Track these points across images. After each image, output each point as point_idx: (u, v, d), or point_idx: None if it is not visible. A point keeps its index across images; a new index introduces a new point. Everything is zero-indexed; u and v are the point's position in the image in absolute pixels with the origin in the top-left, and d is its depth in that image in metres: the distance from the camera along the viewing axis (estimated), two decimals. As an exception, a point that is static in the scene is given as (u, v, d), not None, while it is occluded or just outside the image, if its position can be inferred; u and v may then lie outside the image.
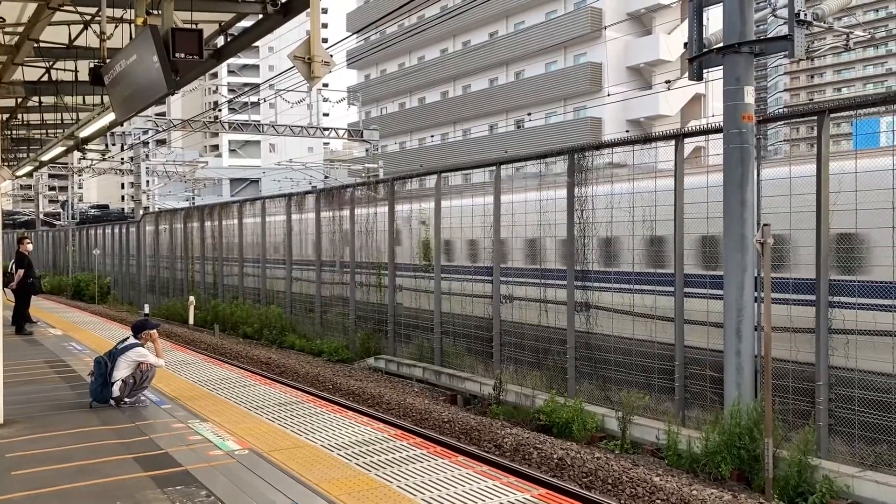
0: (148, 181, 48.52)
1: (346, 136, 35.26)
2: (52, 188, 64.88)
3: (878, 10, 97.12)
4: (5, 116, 17.61)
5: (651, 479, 7.77)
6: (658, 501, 7.33)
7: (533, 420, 10.28)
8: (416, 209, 14.77)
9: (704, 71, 9.34)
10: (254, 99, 56.09)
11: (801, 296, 8.30)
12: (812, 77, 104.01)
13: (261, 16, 8.46)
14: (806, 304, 8.18)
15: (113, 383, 7.81)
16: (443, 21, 27.34)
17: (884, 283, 7.75)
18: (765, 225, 7.66)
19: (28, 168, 22.80)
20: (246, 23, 9.69)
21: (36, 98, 14.86)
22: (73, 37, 11.20)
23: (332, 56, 7.09)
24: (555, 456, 8.63)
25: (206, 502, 4.99)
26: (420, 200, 14.73)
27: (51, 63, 12.66)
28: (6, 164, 20.93)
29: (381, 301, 15.49)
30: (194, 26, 7.37)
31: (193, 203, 45.71)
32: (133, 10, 7.85)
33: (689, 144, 10.18)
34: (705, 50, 9.15)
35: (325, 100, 40.04)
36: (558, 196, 11.13)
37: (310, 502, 5.00)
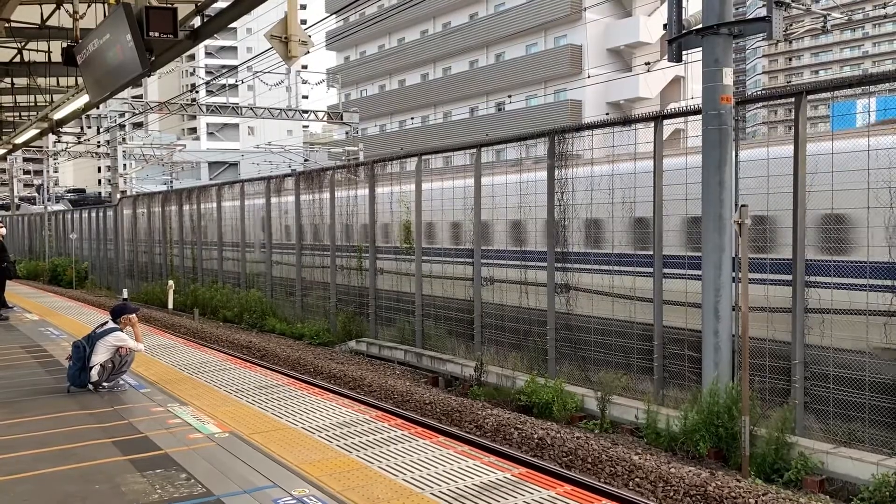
0: (125, 165, 47.98)
1: (325, 118, 35.00)
2: (26, 172, 63.92)
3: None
4: (-23, 98, 17.31)
5: (630, 457, 7.85)
6: (637, 479, 7.42)
7: (514, 401, 10.35)
8: (396, 192, 14.73)
9: (684, 53, 9.36)
10: (232, 81, 55.48)
11: (778, 276, 8.40)
12: (790, 60, 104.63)
13: (237, -5, 8.34)
14: (783, 284, 8.28)
15: (91, 368, 7.73)
16: (423, 2, 27.15)
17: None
18: (742, 206, 7.73)
19: (1, 151, 22.45)
20: (223, 3, 9.55)
21: (8, 79, 14.60)
22: (45, 16, 11.00)
23: (310, 36, 7.03)
24: (535, 436, 8.70)
25: (186, 485, 4.97)
26: (401, 183, 14.69)
27: (23, 43, 12.43)
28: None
29: (363, 284, 15.48)
30: (169, 5, 7.26)
31: (171, 186, 45.28)
32: (106, -11, 7.73)
33: (669, 126, 10.21)
34: (684, 31, 9.17)
35: (305, 82, 39.72)
36: (538, 178, 11.15)
37: (291, 483, 5.00)
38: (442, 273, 13.58)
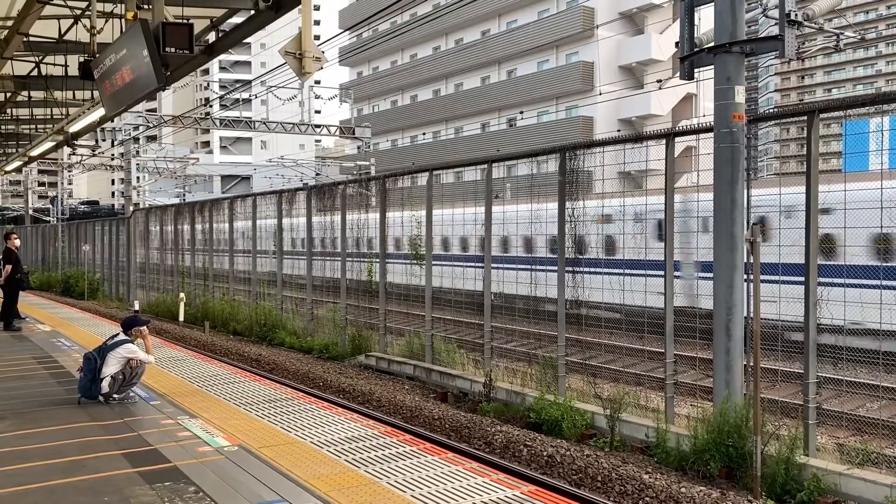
0: (139, 177, 48.32)
1: (337, 133, 35.20)
2: (41, 184, 64.62)
3: (868, 12, 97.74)
4: (-6, 111, 17.53)
5: (640, 476, 7.79)
6: (647, 499, 7.35)
7: (523, 417, 10.30)
8: (407, 205, 14.75)
9: (696, 70, 9.36)
10: (245, 96, 55.94)
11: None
12: (802, 78, 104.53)
13: (252, 12, 8.45)
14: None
15: (102, 379, 7.77)
16: (435, 19, 27.30)
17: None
18: (754, 224, 7.70)
19: (17, 163, 22.70)
20: (237, 19, 9.67)
21: (25, 93, 14.81)
22: (63, 31, 11.16)
23: (323, 52, 7.09)
24: (545, 453, 8.65)
25: (194, 498, 4.98)
26: (411, 198, 14.71)
27: (40, 57, 12.62)
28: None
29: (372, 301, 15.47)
30: (185, 21, 7.35)
31: (184, 199, 45.57)
32: (123, 5, 7.83)
33: (680, 144, 10.20)
34: (696, 49, 9.17)
35: (317, 97, 39.97)
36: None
37: (299, 498, 4.99)
38: (452, 287, 13.57)
